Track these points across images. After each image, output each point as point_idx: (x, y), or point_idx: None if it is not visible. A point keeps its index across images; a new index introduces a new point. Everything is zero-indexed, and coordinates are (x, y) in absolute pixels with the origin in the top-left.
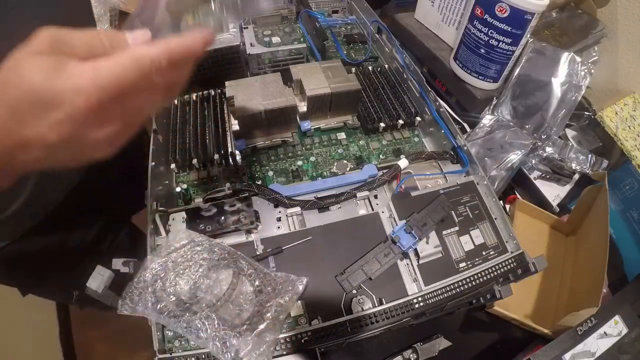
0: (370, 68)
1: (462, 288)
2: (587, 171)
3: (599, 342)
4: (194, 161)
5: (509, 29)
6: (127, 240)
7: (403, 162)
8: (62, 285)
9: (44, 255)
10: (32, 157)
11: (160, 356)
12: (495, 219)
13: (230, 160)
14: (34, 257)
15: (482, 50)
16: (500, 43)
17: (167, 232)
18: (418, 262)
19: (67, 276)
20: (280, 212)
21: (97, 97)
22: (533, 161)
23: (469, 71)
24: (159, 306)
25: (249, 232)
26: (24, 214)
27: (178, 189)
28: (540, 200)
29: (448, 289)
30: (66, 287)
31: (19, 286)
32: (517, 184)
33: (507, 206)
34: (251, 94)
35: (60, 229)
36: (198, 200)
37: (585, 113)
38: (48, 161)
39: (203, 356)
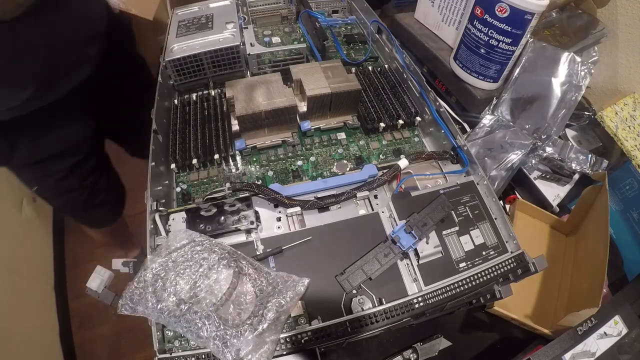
0: (370, 68)
1: (462, 288)
2: (587, 171)
3: (599, 342)
4: (194, 161)
5: (509, 29)
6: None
7: (403, 162)
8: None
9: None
10: None
11: (160, 356)
12: (495, 219)
13: (230, 160)
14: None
15: (482, 50)
16: (500, 43)
17: (167, 232)
18: (418, 262)
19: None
20: (280, 212)
21: None
22: (533, 161)
23: (469, 71)
24: (159, 306)
25: (249, 232)
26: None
27: (178, 189)
28: (540, 200)
29: (448, 289)
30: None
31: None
32: (517, 184)
33: (507, 206)
34: (251, 94)
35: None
36: (198, 200)
37: (585, 113)
38: None
39: (203, 356)
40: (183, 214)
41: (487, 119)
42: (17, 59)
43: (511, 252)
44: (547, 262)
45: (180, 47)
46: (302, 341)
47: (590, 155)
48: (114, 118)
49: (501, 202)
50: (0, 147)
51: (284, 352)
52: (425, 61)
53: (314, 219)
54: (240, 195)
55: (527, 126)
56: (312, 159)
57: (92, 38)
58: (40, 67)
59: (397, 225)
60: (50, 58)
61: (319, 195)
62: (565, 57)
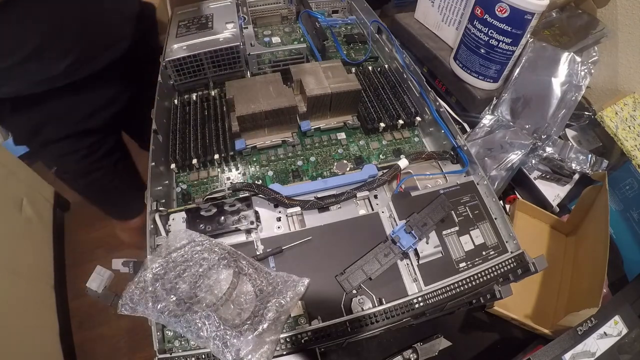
0: (370, 68)
1: (462, 288)
2: (587, 171)
3: (599, 342)
4: (194, 161)
5: (509, 29)
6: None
7: (403, 162)
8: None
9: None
10: None
11: (160, 356)
12: (495, 219)
13: (230, 161)
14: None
15: (482, 50)
16: (500, 43)
17: (167, 232)
18: (418, 262)
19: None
20: (280, 212)
21: None
22: (533, 161)
23: (469, 71)
24: (159, 306)
25: (249, 232)
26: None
27: (178, 189)
28: (540, 200)
29: (448, 289)
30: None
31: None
32: (517, 184)
33: (507, 206)
34: (251, 94)
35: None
36: (198, 200)
37: (585, 113)
38: None
39: (203, 356)
40: (183, 214)
41: (487, 119)
42: (59, 29)
43: (511, 252)
44: (547, 262)
45: (180, 47)
46: (302, 341)
47: (590, 155)
48: (135, 105)
49: (501, 202)
50: (29, 121)
51: (284, 352)
52: (425, 61)
53: (314, 219)
54: (240, 195)
55: (527, 126)
56: (312, 159)
57: (129, 17)
58: (80, 39)
59: (397, 225)
60: (91, 31)
61: (319, 195)
62: (565, 57)
